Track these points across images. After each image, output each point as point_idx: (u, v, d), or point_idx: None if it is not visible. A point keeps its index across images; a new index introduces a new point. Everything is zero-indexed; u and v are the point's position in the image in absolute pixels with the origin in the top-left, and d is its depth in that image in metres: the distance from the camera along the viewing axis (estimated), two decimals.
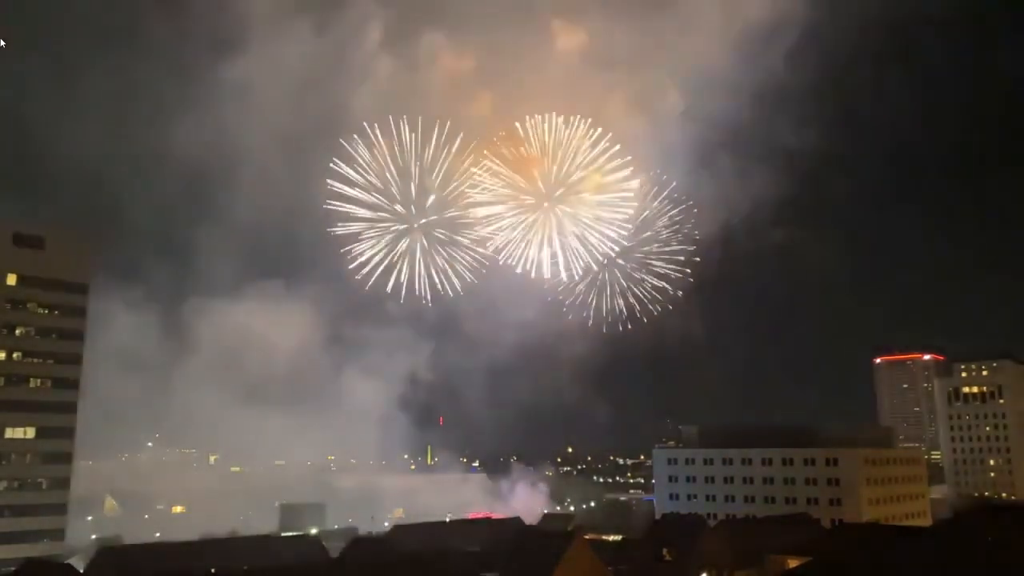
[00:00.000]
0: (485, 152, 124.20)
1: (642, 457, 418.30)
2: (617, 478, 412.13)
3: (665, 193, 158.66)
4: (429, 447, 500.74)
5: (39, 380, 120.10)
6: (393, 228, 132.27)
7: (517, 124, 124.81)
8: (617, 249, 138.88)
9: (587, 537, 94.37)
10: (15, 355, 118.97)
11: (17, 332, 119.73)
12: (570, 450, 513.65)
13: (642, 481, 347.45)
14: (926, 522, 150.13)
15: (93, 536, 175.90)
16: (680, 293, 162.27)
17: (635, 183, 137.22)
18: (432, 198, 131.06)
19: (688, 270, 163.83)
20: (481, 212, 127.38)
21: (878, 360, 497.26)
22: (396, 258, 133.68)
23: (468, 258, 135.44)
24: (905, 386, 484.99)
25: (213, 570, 73.65)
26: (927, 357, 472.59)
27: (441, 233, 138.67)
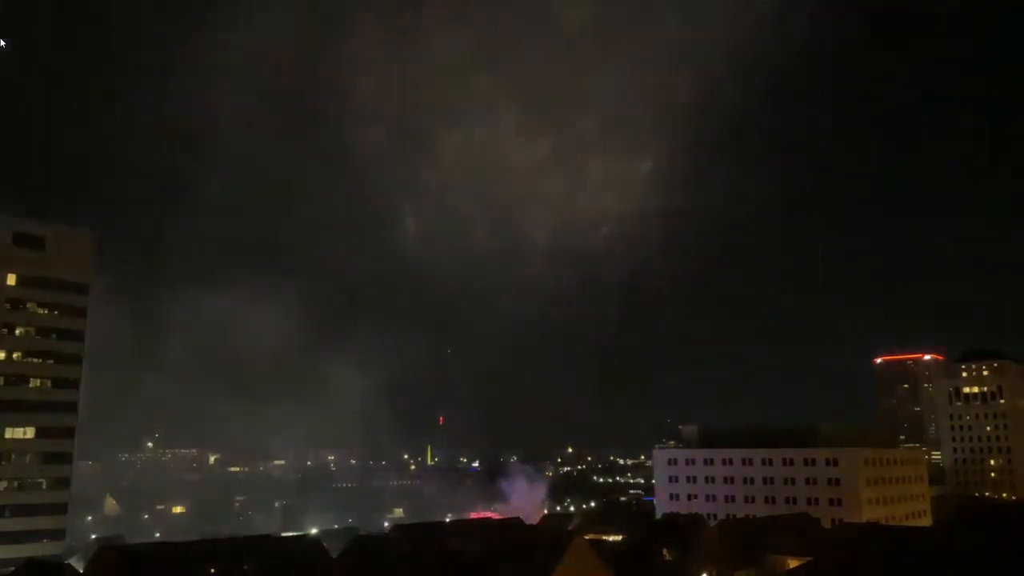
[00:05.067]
0: None
1: (642, 457, 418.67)
2: (617, 478, 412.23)
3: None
4: (429, 447, 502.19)
5: (39, 380, 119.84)
6: None
7: None
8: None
9: (587, 537, 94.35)
10: (15, 355, 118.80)
11: (17, 332, 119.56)
12: (570, 450, 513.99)
13: (642, 481, 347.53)
14: (926, 522, 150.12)
15: (93, 536, 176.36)
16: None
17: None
18: None
19: None
20: None
21: (878, 360, 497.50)
22: None
23: None
24: (905, 386, 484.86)
25: (213, 570, 73.55)
26: (927, 357, 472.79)
27: None
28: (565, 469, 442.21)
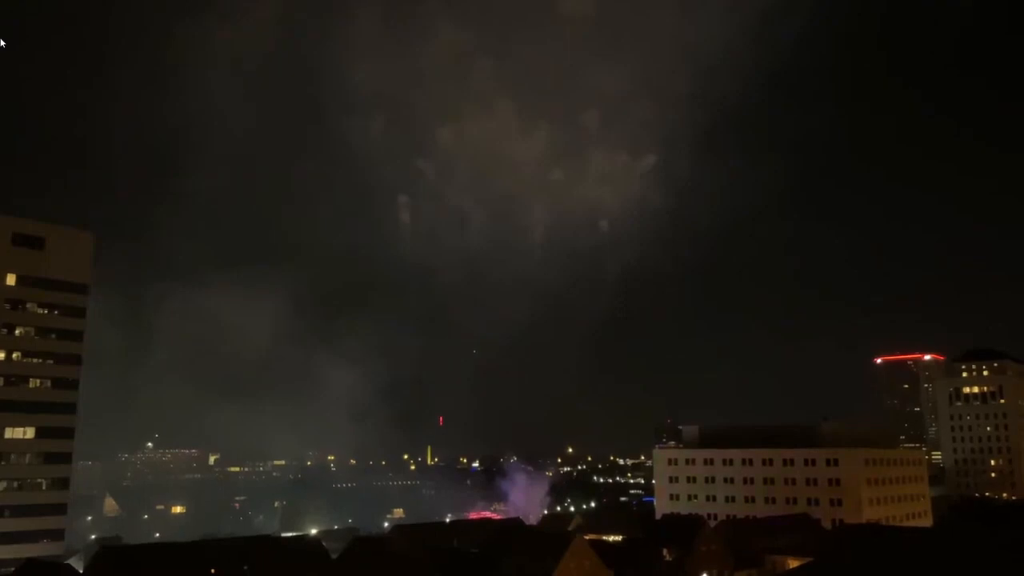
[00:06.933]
0: None
1: (642, 457, 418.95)
2: (617, 478, 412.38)
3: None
4: (429, 447, 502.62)
5: (39, 380, 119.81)
6: None
7: None
8: None
9: (587, 537, 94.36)
10: (15, 355, 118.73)
11: (17, 332, 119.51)
12: (570, 450, 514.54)
13: (642, 481, 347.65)
14: (927, 522, 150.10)
15: (93, 536, 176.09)
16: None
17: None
18: None
19: None
20: None
21: (878, 360, 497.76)
22: None
23: None
24: (905, 386, 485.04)
25: (213, 570, 73.56)
26: (927, 357, 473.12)
27: None
28: (565, 469, 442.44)
